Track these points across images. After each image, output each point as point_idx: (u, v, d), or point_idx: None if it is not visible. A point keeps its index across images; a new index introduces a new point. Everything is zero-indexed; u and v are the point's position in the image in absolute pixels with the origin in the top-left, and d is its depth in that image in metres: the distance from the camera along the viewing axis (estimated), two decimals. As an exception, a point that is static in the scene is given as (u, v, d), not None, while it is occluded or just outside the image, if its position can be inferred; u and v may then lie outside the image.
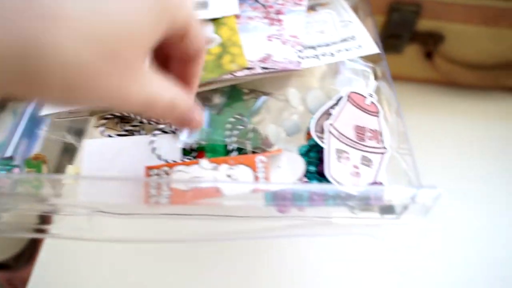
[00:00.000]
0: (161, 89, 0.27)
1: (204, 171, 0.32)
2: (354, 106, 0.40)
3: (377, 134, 0.39)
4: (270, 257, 0.48)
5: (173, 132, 0.40)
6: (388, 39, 0.69)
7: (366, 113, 0.40)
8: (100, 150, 0.40)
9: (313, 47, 0.42)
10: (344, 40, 0.43)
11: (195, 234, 0.39)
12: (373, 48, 0.41)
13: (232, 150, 0.39)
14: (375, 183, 0.37)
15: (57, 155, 0.47)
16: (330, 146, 0.37)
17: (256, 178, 0.33)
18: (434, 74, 0.73)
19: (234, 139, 0.39)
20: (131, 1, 0.23)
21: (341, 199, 0.36)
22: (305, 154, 0.40)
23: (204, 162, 0.32)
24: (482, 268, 0.52)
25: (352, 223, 0.38)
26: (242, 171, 0.32)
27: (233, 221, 0.37)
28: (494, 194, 0.61)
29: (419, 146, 0.65)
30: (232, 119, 0.40)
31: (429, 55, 0.70)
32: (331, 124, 0.38)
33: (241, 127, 0.40)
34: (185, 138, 0.39)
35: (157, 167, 0.36)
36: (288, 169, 0.35)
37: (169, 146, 0.40)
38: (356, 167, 0.38)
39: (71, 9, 0.21)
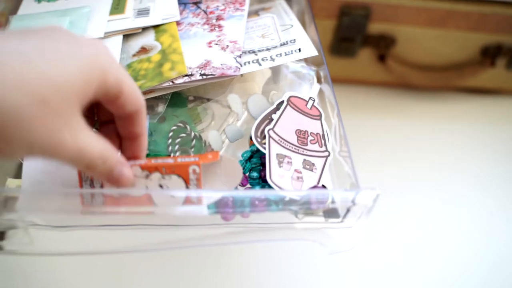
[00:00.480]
0: (91, 141, 0.28)
1: (137, 179, 0.32)
2: (295, 110, 0.40)
3: (319, 138, 0.39)
4: (215, 265, 0.47)
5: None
6: (340, 43, 0.70)
7: (308, 116, 0.40)
8: (42, 163, 0.39)
9: (254, 52, 0.42)
10: (285, 44, 0.42)
11: (141, 244, 0.38)
12: (313, 51, 0.41)
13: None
14: (317, 186, 0.37)
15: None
16: (270, 151, 0.37)
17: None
18: (387, 76, 0.74)
19: (177, 147, 0.39)
20: (63, 58, 0.25)
21: (284, 204, 0.36)
22: (247, 159, 0.39)
23: (136, 169, 0.32)
24: (424, 267, 0.53)
25: (296, 228, 0.38)
26: (174, 182, 0.32)
27: (178, 230, 0.37)
28: (443, 193, 0.62)
29: (373, 148, 0.66)
30: (174, 127, 0.40)
31: (382, 58, 0.71)
32: (271, 129, 0.38)
33: (184, 135, 0.40)
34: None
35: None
36: (226, 176, 0.35)
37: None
38: (298, 171, 0.37)
39: (5, 61, 0.23)
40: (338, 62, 0.73)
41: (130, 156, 0.33)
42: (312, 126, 0.40)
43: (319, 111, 0.40)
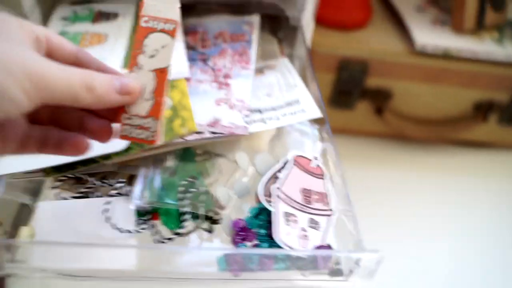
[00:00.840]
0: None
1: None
2: (300, 169, 0.41)
3: (323, 197, 0.40)
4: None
5: (127, 195, 0.40)
6: (339, 95, 0.72)
7: (312, 176, 0.41)
8: (55, 212, 0.40)
9: (260, 111, 0.43)
10: (289, 104, 0.44)
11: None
12: (316, 112, 0.43)
13: (185, 213, 0.40)
14: (323, 246, 0.38)
15: (12, 215, 0.46)
16: (278, 210, 0.38)
17: None
18: (384, 128, 0.76)
19: (187, 201, 0.40)
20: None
21: (291, 262, 0.36)
22: (255, 216, 0.40)
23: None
24: None
25: (303, 285, 0.38)
26: None
27: (190, 284, 0.37)
28: (442, 248, 0.63)
29: (370, 201, 0.67)
30: (185, 182, 0.41)
31: (379, 111, 0.73)
32: (278, 188, 0.39)
33: (193, 189, 0.41)
34: (138, 200, 0.39)
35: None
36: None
37: (123, 209, 0.40)
38: (304, 229, 0.38)
39: None
40: (336, 114, 0.75)
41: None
42: (316, 185, 0.41)
43: (322, 170, 0.42)
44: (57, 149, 0.35)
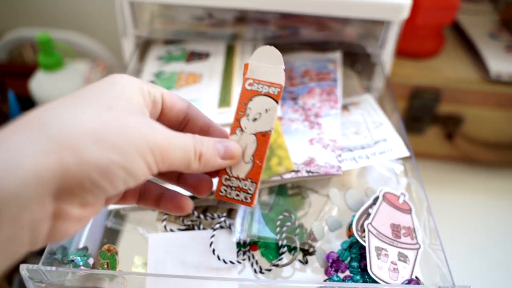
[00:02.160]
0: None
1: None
2: (389, 205, 0.45)
3: (410, 231, 0.44)
4: None
5: (229, 227, 0.45)
6: (410, 122, 0.75)
7: (400, 211, 0.45)
8: (164, 243, 0.45)
9: (350, 150, 0.47)
10: (377, 142, 0.48)
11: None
12: (404, 151, 0.46)
13: (282, 246, 0.44)
14: (412, 280, 0.41)
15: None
16: (370, 244, 0.42)
17: None
18: (455, 152, 0.78)
19: (284, 235, 0.44)
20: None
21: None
22: (347, 249, 0.44)
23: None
24: None
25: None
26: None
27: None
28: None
29: (447, 225, 0.69)
30: (281, 217, 0.45)
31: (449, 136, 0.75)
32: (370, 223, 0.43)
33: (289, 223, 0.45)
34: (239, 233, 0.44)
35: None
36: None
37: (226, 241, 0.44)
38: (394, 263, 0.42)
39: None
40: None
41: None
42: (404, 219, 0.44)
43: (409, 206, 0.45)
44: (157, 204, 0.36)
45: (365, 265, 0.42)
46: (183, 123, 0.36)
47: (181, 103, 0.35)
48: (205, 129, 0.36)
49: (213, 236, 0.44)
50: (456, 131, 0.75)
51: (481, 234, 0.69)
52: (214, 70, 0.58)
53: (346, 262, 0.44)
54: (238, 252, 0.45)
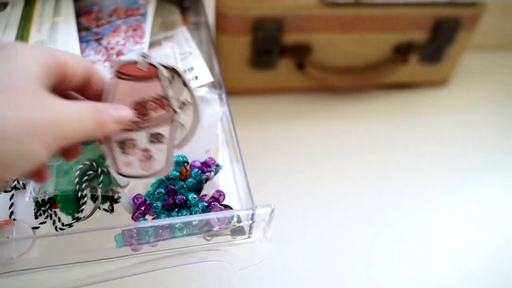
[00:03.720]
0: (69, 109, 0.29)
1: None
2: (127, 79, 0.34)
3: (161, 101, 0.34)
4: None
5: (24, 187, 0.40)
6: (258, 56, 0.72)
7: (144, 81, 0.34)
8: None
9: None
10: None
11: (52, 283, 0.39)
12: (209, 77, 0.43)
13: (83, 196, 0.40)
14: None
15: None
16: (111, 141, 0.34)
17: None
18: (309, 83, 0.77)
19: (84, 185, 0.40)
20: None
21: (187, 230, 0.37)
22: (155, 190, 0.41)
23: None
24: (330, 275, 0.54)
25: (206, 249, 0.40)
26: None
27: (89, 266, 0.38)
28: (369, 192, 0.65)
29: (302, 153, 0.69)
30: (81, 166, 0.41)
31: (300, 66, 0.74)
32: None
33: (91, 172, 0.41)
34: (33, 191, 0.40)
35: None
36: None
37: (22, 203, 0.40)
38: (146, 149, 0.35)
39: None
40: (259, 75, 0.75)
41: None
42: (151, 90, 0.34)
43: (154, 67, 0.34)
44: None
45: (169, 205, 0.40)
46: (85, 84, 0.34)
47: (81, 70, 0.33)
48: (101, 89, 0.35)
49: (11, 197, 0.39)
50: (306, 60, 0.73)
51: (338, 158, 0.69)
52: (10, 21, 0.52)
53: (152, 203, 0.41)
54: (37, 212, 0.40)
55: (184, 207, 0.40)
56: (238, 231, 0.39)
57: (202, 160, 0.43)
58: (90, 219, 0.40)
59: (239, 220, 0.39)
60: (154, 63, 0.34)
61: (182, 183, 0.41)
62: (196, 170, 0.42)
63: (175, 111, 0.35)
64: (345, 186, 0.65)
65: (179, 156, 0.42)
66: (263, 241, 0.39)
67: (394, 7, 0.70)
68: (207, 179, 0.42)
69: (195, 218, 0.37)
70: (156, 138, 0.35)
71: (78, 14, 0.53)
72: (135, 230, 0.36)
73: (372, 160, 0.69)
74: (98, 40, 0.49)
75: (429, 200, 0.64)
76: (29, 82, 0.28)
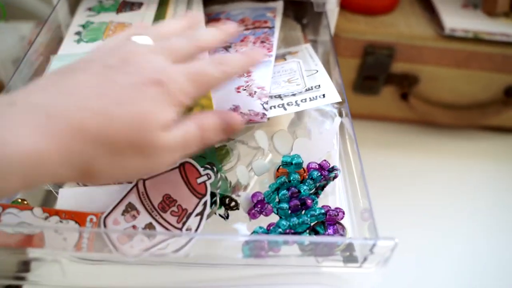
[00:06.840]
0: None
1: (36, 219, 0.34)
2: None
3: (182, 211, 0.39)
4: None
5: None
6: (364, 81, 0.71)
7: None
8: (75, 198, 0.41)
9: (280, 97, 0.44)
10: (309, 89, 0.44)
11: (173, 281, 0.40)
12: (336, 97, 0.43)
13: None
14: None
15: (39, 199, 0.48)
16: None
17: (80, 237, 0.34)
18: (410, 114, 0.75)
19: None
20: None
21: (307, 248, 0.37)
22: (274, 191, 0.41)
23: (37, 210, 0.34)
24: None
25: (316, 272, 0.39)
26: (70, 227, 0.34)
27: (208, 269, 0.38)
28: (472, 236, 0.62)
29: (392, 185, 0.67)
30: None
31: (404, 96, 0.72)
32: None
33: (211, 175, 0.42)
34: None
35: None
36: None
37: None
38: None
39: None
40: (361, 99, 0.74)
41: None
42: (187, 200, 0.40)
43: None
44: None
45: (295, 206, 0.39)
46: None
47: None
48: None
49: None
50: (411, 91, 0.72)
51: (428, 194, 0.67)
52: (144, 20, 0.54)
53: (273, 205, 0.40)
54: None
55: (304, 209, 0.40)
56: (351, 259, 0.38)
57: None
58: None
59: (353, 249, 0.38)
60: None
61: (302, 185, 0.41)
62: (315, 172, 0.41)
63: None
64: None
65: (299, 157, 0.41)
66: (373, 273, 0.38)
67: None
68: (324, 185, 0.41)
69: (325, 239, 0.36)
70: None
71: (206, 19, 0.54)
72: (266, 242, 0.36)
73: (465, 202, 0.66)
74: (226, 48, 0.50)
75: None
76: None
